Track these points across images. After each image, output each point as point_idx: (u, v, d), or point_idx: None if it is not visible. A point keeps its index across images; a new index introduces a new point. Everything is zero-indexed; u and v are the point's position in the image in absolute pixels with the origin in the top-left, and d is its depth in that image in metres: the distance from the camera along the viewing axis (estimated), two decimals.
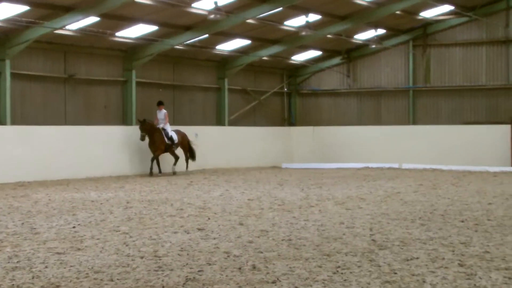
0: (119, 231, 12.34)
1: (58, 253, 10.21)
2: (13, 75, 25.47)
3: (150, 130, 27.54)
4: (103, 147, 27.30)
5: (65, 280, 8.41)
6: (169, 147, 28.28)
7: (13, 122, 25.20)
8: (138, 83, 30.03)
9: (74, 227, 12.84)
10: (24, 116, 25.96)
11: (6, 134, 24.54)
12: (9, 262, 9.48)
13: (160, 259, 9.70)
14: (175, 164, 28.79)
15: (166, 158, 28.94)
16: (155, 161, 27.75)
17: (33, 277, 8.55)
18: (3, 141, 24.17)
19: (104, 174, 26.77)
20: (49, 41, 26.34)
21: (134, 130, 28.25)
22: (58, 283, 8.24)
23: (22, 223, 13.35)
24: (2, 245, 10.83)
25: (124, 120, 29.57)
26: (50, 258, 9.82)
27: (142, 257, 9.84)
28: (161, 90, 31.42)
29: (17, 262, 9.52)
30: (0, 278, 8.51)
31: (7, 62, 25.14)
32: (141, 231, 12.27)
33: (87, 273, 8.79)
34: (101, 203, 16.98)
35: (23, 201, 17.65)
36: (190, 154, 29.62)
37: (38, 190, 20.73)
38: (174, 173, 28.42)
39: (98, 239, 11.46)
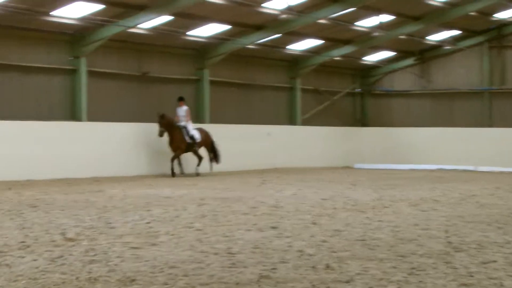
0: (193, 227, 12.39)
1: (133, 247, 10.29)
2: (88, 73, 25.87)
3: (169, 127, 25.93)
4: None
5: (140, 274, 8.47)
6: (191, 147, 26.54)
7: (89, 119, 25.60)
8: (210, 82, 30.18)
9: (149, 222, 12.94)
10: (98, 113, 26.33)
11: (82, 130, 24.96)
12: (86, 255, 9.60)
13: (233, 256, 9.70)
14: (198, 164, 27.05)
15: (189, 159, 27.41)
16: (176, 161, 26.17)
17: (109, 271, 8.63)
18: (78, 137, 24.58)
19: (177, 171, 26.94)
20: (123, 40, 26.68)
21: (207, 128, 28.36)
22: (134, 277, 8.30)
23: (98, 218, 13.53)
24: (79, 239, 10.98)
25: (197, 118, 29.74)
26: (125, 252, 9.90)
27: (215, 254, 9.85)
28: (234, 89, 31.52)
29: (94, 255, 9.63)
30: (77, 270, 8.62)
31: (83, 60, 25.55)
32: (215, 228, 12.30)
33: (161, 268, 8.83)
34: (175, 200, 17.11)
35: (99, 196, 17.90)
36: (214, 155, 27.54)
37: (113, 186, 21.02)
38: (197, 175, 26.58)
39: (172, 235, 11.52)
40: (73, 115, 25.55)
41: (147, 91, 28.39)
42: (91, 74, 26.11)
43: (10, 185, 20.87)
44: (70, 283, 7.95)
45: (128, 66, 27.71)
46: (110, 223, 12.83)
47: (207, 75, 29.98)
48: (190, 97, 29.74)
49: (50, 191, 19.10)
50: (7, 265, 8.89)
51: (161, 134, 25.74)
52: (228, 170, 28.22)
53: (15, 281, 8.01)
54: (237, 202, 16.70)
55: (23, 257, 9.43)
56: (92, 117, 25.88)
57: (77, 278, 8.20)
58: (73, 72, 25.71)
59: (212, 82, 30.41)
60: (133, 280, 8.13)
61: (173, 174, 25.72)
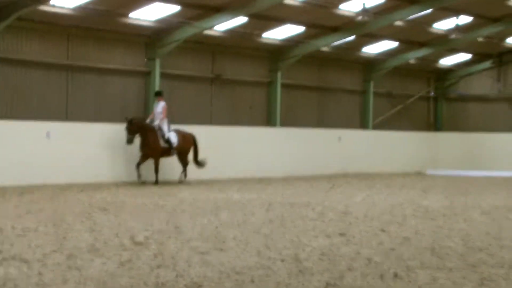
0: (260, 233, 12.39)
1: (201, 252, 10.33)
2: (162, 75, 26.13)
3: (141, 130, 22.88)
4: (248, 148, 27.56)
5: (207, 280, 8.49)
6: (165, 152, 23.39)
7: None
8: (282, 85, 30.16)
9: (217, 227, 12.99)
10: (171, 114, 26.52)
11: None
12: (154, 260, 9.68)
13: (300, 263, 9.66)
14: (183, 171, 24.22)
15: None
16: (141, 167, 23.01)
17: (176, 276, 8.68)
18: None
19: (247, 175, 27.02)
20: (198, 41, 26.84)
21: (279, 132, 28.37)
22: (201, 282, 8.33)
23: (167, 222, 13.63)
24: (148, 243, 11.08)
25: (268, 121, 29.77)
26: (193, 257, 9.95)
27: (283, 260, 9.82)
28: (307, 91, 31.45)
29: (162, 260, 9.70)
30: (145, 275, 8.69)
31: (157, 61, 25.82)
32: (282, 234, 12.27)
33: (228, 274, 8.85)
34: (243, 204, 17.14)
35: (168, 200, 18.06)
36: (196, 161, 24.29)
37: (182, 189, 21.17)
38: (180, 182, 24.00)
39: (240, 240, 11.53)
40: (146, 117, 25.81)
41: (220, 93, 28.52)
42: (165, 76, 26.36)
43: (82, 187, 21.21)
44: (137, 287, 8.03)
45: (201, 68, 27.89)
46: (179, 227, 12.91)
47: (280, 78, 29.96)
48: (262, 100, 29.79)
49: (120, 194, 19.35)
50: (77, 268, 9.02)
51: (129, 141, 22.64)
52: (297, 174, 28.16)
53: (84, 284, 8.12)
54: (305, 208, 16.64)
55: (93, 260, 9.56)
56: None
57: (144, 282, 8.27)
58: (148, 74, 26.00)
59: (284, 85, 30.37)
60: (200, 286, 8.16)
61: (139, 179, 22.81)
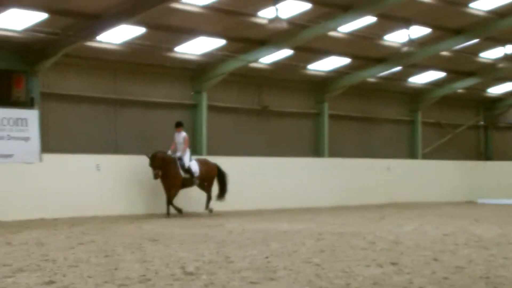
0: (311, 262, 12.29)
1: (252, 282, 10.27)
2: (209, 107, 26.28)
3: (163, 164, 22.50)
4: (295, 179, 27.52)
5: None
6: (188, 182, 23.07)
7: (209, 153, 25.85)
8: (329, 115, 30.12)
9: (267, 257, 12.92)
10: (218, 147, 26.63)
11: None
12: None
13: None
14: (208, 202, 23.73)
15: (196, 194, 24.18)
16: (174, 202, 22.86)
17: None
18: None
19: (295, 206, 26.95)
20: (243, 74, 26.98)
21: (327, 162, 28.28)
22: None
23: (217, 252, 13.61)
24: (199, 273, 11.05)
25: (316, 152, 29.71)
26: (244, 287, 9.90)
27: None
28: (353, 122, 31.37)
29: None
30: None
31: (204, 94, 25.99)
32: (333, 264, 12.16)
33: None
34: (293, 234, 17.05)
35: (217, 230, 18.04)
36: (220, 190, 23.97)
37: (232, 220, 21.16)
38: (210, 211, 23.58)
39: (290, 269, 11.45)
40: (194, 150, 25.92)
41: (266, 125, 28.58)
42: (211, 108, 26.50)
43: (131, 219, 21.31)
44: None
45: (247, 100, 28.00)
46: (229, 257, 12.87)
47: (326, 109, 29.94)
48: (309, 131, 29.80)
49: (170, 225, 19.39)
50: None
51: (156, 177, 22.39)
52: (345, 204, 27.99)
53: None
54: (355, 237, 16.49)
55: None
56: (212, 151, 26.16)
57: None
58: (194, 106, 26.16)
59: (331, 116, 30.33)
60: None
61: (168, 214, 22.58)
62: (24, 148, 20.08)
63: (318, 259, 12.67)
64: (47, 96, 22.68)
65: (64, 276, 10.68)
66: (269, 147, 28.47)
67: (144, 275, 10.77)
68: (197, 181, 23.14)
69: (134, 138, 24.82)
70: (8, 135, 20.87)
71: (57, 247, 14.20)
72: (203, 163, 23.49)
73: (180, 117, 25.79)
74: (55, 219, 20.25)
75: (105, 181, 22.63)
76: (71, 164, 22.10)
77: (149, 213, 23.20)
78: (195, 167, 23.02)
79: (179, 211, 22.67)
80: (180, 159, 22.72)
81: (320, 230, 18.13)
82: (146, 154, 22.44)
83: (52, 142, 22.74)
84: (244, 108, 27.90)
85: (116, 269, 11.38)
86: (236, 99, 27.69)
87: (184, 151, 22.92)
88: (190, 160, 23.13)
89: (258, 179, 26.33)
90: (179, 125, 23.20)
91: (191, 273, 11.01)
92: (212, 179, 23.74)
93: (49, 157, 21.43)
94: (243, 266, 11.84)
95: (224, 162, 25.75)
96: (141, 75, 25.11)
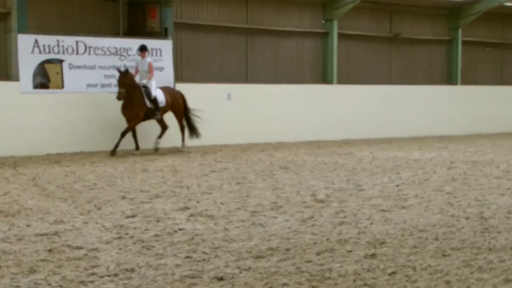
0: (443, 191, 12.19)
1: (382, 210, 10.31)
2: (339, 35, 26.06)
3: (130, 89, 18.88)
4: (426, 107, 27.12)
5: (390, 237, 8.47)
6: (151, 113, 19.51)
7: (339, 81, 25.81)
8: (463, 42, 29.35)
9: (397, 185, 12.89)
10: (349, 75, 26.48)
11: (332, 93, 25.24)
12: (336, 217, 9.75)
13: (486, 221, 9.44)
14: (160, 136, 20.11)
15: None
16: (129, 134, 19.08)
17: (359, 233, 8.71)
18: (330, 100, 24.90)
19: (427, 134, 26.63)
20: (375, 1, 26.53)
21: (459, 90, 27.65)
22: (383, 239, 8.32)
23: (348, 180, 13.67)
24: (329, 200, 11.17)
25: (448, 80, 29.09)
26: (374, 214, 9.94)
27: (467, 218, 9.64)
28: (488, 48, 30.44)
29: (343, 217, 9.75)
30: (327, 231, 8.78)
31: (335, 23, 25.76)
32: (466, 192, 12.02)
33: (411, 231, 8.78)
34: (424, 163, 16.91)
35: (348, 158, 18.09)
36: (189, 125, 20.67)
37: (362, 148, 21.14)
38: (156, 150, 19.82)
39: (422, 198, 11.41)
40: (323, 78, 25.85)
41: (397, 53, 28.12)
42: (342, 36, 26.27)
43: (262, 147, 21.58)
44: (321, 243, 8.12)
45: (379, 28, 27.58)
46: (359, 185, 12.92)
47: (460, 36, 29.15)
48: (441, 58, 29.13)
49: (300, 153, 19.55)
50: (260, 224, 9.24)
51: (120, 97, 18.72)
52: (478, 132, 27.42)
53: (268, 240, 8.30)
54: (488, 165, 16.20)
55: (276, 217, 9.74)
56: (342, 80, 26.05)
57: (327, 239, 8.35)
58: (325, 35, 25.99)
59: (465, 42, 29.52)
60: (383, 243, 8.15)
61: (113, 152, 18.65)
62: (159, 78, 20.44)
63: (450, 188, 12.56)
64: (180, 26, 23.01)
65: (198, 202, 11.01)
66: (400, 75, 28.06)
67: (275, 202, 10.97)
68: (160, 116, 19.76)
69: (265, 67, 24.95)
70: None
71: (190, 175, 14.60)
72: (167, 91, 20.23)
73: (310, 45, 25.76)
74: (188, 147, 20.58)
75: (237, 110, 22.89)
76: (204, 93, 22.43)
77: (280, 141, 23.33)
78: (161, 97, 19.74)
79: (137, 147, 19.36)
80: (145, 87, 19.39)
81: (452, 159, 17.90)
82: (117, 69, 19.20)
83: (184, 72, 23.15)
84: (375, 35, 27.49)
85: (248, 196, 11.64)
86: (367, 26, 27.30)
87: (149, 80, 19.48)
88: (156, 89, 19.80)
89: (389, 107, 26.08)
90: (143, 49, 19.64)
91: (321, 201, 11.14)
92: (181, 107, 20.44)
93: (182, 87, 21.83)
94: (374, 194, 11.87)
95: (354, 91, 25.68)
96: (272, 4, 25.08)
